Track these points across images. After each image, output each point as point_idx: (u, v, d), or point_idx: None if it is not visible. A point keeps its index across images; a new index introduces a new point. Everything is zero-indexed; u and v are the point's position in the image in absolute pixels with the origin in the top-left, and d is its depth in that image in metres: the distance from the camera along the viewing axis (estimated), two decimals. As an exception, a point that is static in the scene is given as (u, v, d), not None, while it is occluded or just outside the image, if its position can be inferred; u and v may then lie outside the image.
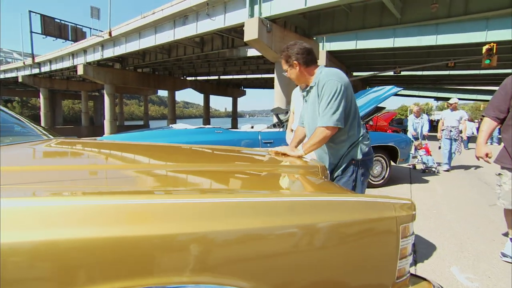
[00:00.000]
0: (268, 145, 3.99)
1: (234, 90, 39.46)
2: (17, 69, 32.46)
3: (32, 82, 31.77)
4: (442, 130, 6.52)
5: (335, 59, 18.45)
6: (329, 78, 1.71)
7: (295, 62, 1.80)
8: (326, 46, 17.19)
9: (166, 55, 19.86)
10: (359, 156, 1.78)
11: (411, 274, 1.02)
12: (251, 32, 10.76)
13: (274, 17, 10.81)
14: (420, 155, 6.44)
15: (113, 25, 18.89)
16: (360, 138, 1.80)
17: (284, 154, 1.70)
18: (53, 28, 25.36)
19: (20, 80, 31.54)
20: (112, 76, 23.39)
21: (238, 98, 41.37)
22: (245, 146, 3.86)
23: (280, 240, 0.75)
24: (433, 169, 6.27)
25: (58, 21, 25.72)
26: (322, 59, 16.26)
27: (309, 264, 0.78)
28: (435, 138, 7.16)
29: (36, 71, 29.46)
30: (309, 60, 1.80)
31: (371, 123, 8.73)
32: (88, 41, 21.57)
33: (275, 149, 1.77)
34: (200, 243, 0.66)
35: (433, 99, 41.92)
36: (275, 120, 5.62)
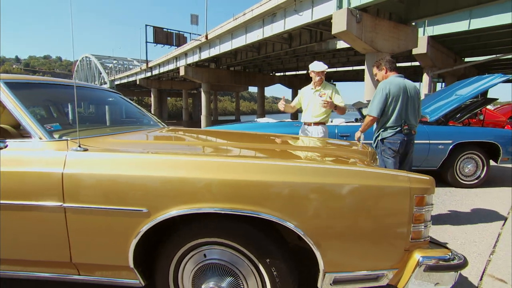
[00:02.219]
0: (344, 138, 4.13)
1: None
2: (136, 73, 39.42)
3: (146, 83, 38.16)
4: None
5: (439, 44, 16.27)
6: (382, 83, 2.55)
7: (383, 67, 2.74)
8: (427, 31, 15.33)
9: (256, 53, 21.07)
10: (380, 137, 2.67)
11: (432, 241, 1.21)
12: (339, 24, 10.58)
13: (365, 6, 10.36)
14: None
15: (208, 28, 21.07)
16: (389, 126, 2.59)
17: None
18: (162, 36, 29.84)
19: (138, 82, 38.27)
20: (208, 75, 26.20)
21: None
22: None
23: (321, 193, 1.20)
24: None
25: (166, 30, 30.12)
26: (422, 46, 14.60)
27: (338, 214, 1.16)
28: None
29: (148, 74, 35.28)
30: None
31: (481, 117, 7.59)
32: (188, 45, 24.65)
33: None
34: (279, 188, 1.20)
35: None
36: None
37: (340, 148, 1.95)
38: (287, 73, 34.25)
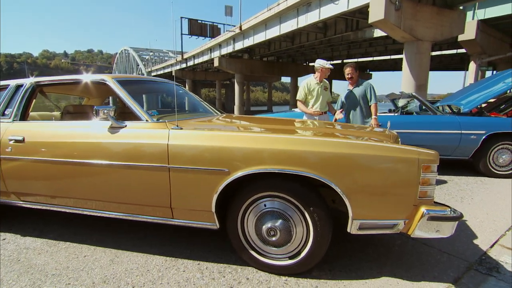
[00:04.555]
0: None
1: (359, 74, 37.82)
2: (171, 65, 41.13)
3: (181, 75, 39.75)
4: None
5: (491, 28, 15.30)
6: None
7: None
8: (478, 15, 14.49)
9: (290, 43, 21.24)
10: None
11: (436, 202, 1.66)
12: (376, 13, 10.52)
13: (405, -8, 10.20)
14: None
15: (243, 19, 21.61)
16: None
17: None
18: (196, 28, 30.82)
19: (173, 74, 39.98)
20: (241, 65, 26.81)
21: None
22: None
23: (352, 161, 1.69)
24: None
25: (200, 21, 31.08)
26: (470, 31, 13.88)
27: (364, 176, 1.64)
28: None
29: (183, 65, 36.67)
30: None
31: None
32: (222, 36, 25.35)
33: None
34: (321, 156, 1.68)
35: None
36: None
37: (369, 132, 2.40)
38: (321, 63, 33.87)
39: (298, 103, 3.93)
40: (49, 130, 2.26)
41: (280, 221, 1.83)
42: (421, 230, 1.67)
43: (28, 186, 2.33)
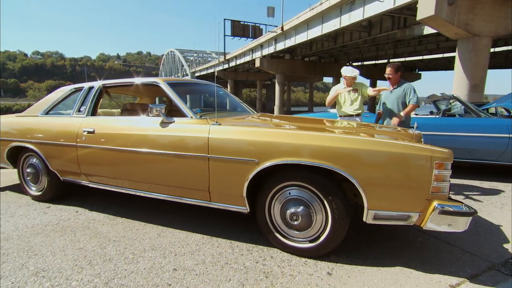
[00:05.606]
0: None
1: (406, 73, 35.94)
2: (214, 66, 42.68)
3: (223, 75, 41.08)
4: None
5: None
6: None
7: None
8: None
9: (332, 43, 21.01)
10: None
11: (450, 198, 1.79)
12: (425, 9, 10.04)
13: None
14: None
15: (284, 20, 21.81)
16: None
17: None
18: (238, 29, 31.73)
19: (216, 74, 41.47)
20: (282, 66, 27.04)
21: (412, 83, 37.41)
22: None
23: (371, 156, 1.88)
24: None
25: (243, 23, 31.92)
26: None
27: (381, 171, 1.84)
28: None
29: (226, 66, 37.87)
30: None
31: None
32: (264, 37, 25.80)
33: None
34: (338, 154, 1.89)
35: None
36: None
37: (394, 132, 2.54)
38: (365, 63, 32.84)
39: (327, 100, 4.18)
40: (113, 124, 2.76)
41: (302, 207, 2.08)
42: (433, 222, 1.81)
43: (95, 169, 2.85)
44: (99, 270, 2.00)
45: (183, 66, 59.77)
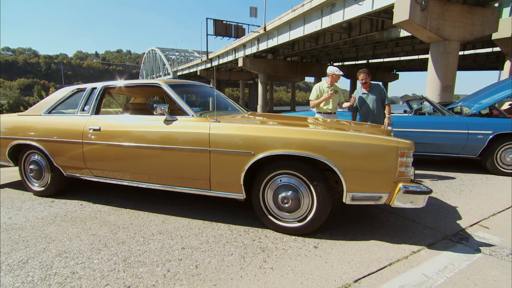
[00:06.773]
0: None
1: (385, 74, 37.39)
2: (197, 65, 42.63)
3: (205, 74, 41.08)
4: None
5: (528, 26, 14.76)
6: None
7: None
8: (515, 11, 13.96)
9: (314, 43, 21.66)
10: None
11: (413, 180, 2.21)
12: (401, 13, 10.69)
13: (431, -8, 10.28)
14: None
15: (267, 20, 22.31)
16: None
17: None
18: (221, 28, 31.93)
19: (198, 73, 41.40)
20: (265, 66, 27.51)
21: (390, 83, 38.87)
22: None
23: (346, 147, 2.27)
24: None
25: (225, 22, 32.14)
26: (505, 29, 13.01)
27: (355, 158, 2.21)
28: None
29: (208, 65, 37.94)
30: None
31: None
32: (247, 37, 26.16)
33: None
34: (322, 146, 2.24)
35: None
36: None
37: (368, 128, 2.96)
38: (345, 63, 33.88)
39: (311, 102, 4.52)
40: (118, 122, 3.03)
41: (291, 192, 2.45)
42: (399, 201, 2.23)
43: (101, 164, 3.10)
44: (115, 251, 2.29)
45: (164, 65, 59.16)
